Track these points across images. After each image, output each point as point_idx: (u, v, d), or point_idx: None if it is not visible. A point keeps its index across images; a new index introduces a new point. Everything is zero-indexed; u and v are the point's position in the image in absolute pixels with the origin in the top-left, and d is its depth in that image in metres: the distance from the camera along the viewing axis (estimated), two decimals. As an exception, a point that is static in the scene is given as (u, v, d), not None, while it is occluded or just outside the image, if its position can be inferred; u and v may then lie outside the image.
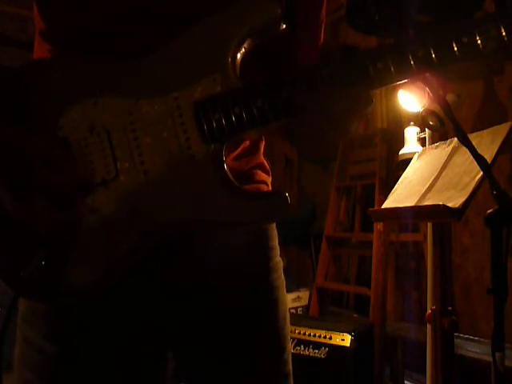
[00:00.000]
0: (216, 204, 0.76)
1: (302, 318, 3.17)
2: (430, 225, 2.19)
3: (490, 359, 0.96)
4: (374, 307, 2.82)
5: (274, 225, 0.98)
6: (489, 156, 1.57)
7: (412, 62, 0.72)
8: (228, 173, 0.76)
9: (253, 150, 0.94)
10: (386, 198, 2.08)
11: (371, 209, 2.45)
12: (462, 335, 2.46)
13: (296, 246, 3.97)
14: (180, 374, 0.93)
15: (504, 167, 2.50)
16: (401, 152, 2.63)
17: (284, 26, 0.77)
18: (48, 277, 0.74)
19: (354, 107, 0.75)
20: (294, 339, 2.64)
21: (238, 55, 0.77)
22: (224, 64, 0.76)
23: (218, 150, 0.76)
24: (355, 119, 0.77)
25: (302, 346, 2.62)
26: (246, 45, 0.77)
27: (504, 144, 1.63)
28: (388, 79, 0.74)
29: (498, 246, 0.88)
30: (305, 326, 2.67)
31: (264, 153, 0.98)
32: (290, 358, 0.96)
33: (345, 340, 2.53)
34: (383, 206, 2.04)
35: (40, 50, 0.87)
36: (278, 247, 0.97)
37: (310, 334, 2.63)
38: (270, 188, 0.97)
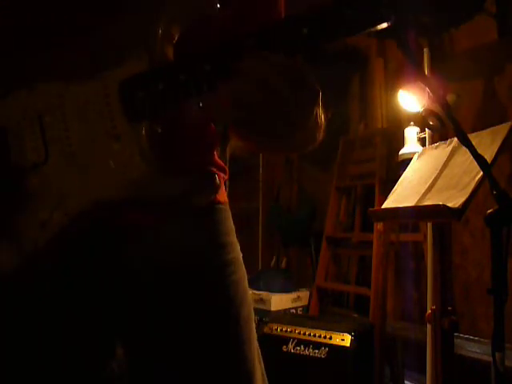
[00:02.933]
0: (142, 183, 0.74)
1: (302, 318, 3.16)
2: (429, 225, 2.19)
3: (490, 359, 0.96)
4: (374, 307, 2.82)
5: (229, 218, 0.93)
6: (489, 156, 1.56)
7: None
8: (156, 153, 0.74)
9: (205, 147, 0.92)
10: (385, 198, 2.08)
11: (371, 209, 2.44)
12: (462, 335, 2.45)
13: (296, 245, 3.97)
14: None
15: (504, 167, 2.50)
16: (401, 152, 2.63)
17: (217, 6, 0.75)
18: None
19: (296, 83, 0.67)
20: (294, 339, 2.64)
21: (168, 32, 0.75)
22: (150, 42, 0.74)
23: (142, 129, 0.74)
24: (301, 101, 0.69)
25: (302, 346, 2.61)
26: (177, 23, 0.75)
27: (504, 144, 1.62)
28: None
29: (498, 246, 0.88)
30: (305, 326, 2.66)
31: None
32: (256, 354, 0.90)
33: (345, 340, 2.52)
34: (383, 206, 2.04)
35: None
36: (234, 242, 0.91)
37: (309, 334, 2.62)
38: (218, 180, 0.89)
